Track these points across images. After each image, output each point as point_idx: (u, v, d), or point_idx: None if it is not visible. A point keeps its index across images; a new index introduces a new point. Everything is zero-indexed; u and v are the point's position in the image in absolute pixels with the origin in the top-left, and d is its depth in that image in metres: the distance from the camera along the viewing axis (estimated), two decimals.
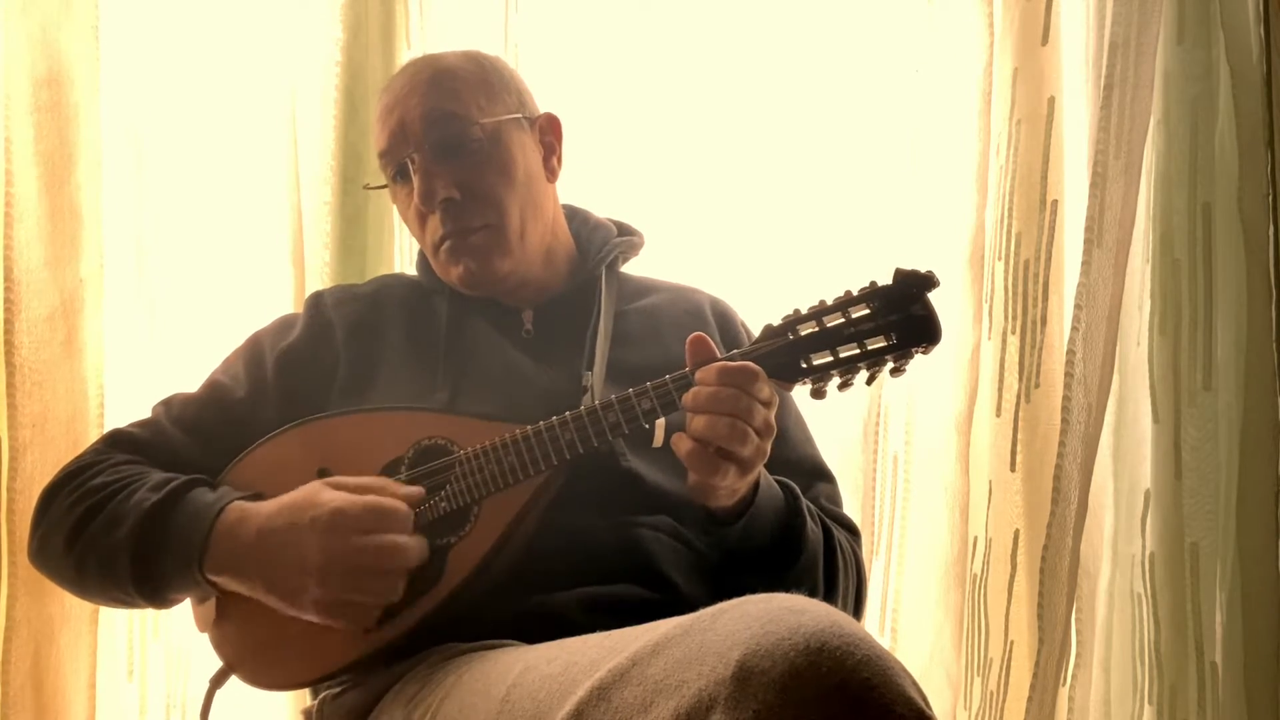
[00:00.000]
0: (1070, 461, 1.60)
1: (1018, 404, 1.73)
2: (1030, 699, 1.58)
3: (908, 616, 1.73)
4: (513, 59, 1.63)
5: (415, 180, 1.24)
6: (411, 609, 1.10)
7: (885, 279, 1.08)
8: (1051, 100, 1.73)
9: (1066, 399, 1.61)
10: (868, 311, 1.07)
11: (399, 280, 1.40)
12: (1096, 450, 1.67)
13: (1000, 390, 1.74)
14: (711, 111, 1.80)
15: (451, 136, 1.25)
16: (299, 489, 1.12)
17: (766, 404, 1.08)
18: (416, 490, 1.12)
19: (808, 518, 1.20)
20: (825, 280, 1.80)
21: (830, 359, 1.08)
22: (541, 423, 1.11)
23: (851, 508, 1.47)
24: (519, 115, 1.30)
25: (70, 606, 1.44)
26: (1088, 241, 1.64)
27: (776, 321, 1.11)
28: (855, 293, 1.09)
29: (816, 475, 1.34)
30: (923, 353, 1.08)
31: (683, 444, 1.07)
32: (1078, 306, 1.63)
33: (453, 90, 1.26)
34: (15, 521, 1.40)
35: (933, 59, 1.77)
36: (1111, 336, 1.67)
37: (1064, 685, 1.71)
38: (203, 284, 1.59)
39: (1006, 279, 1.75)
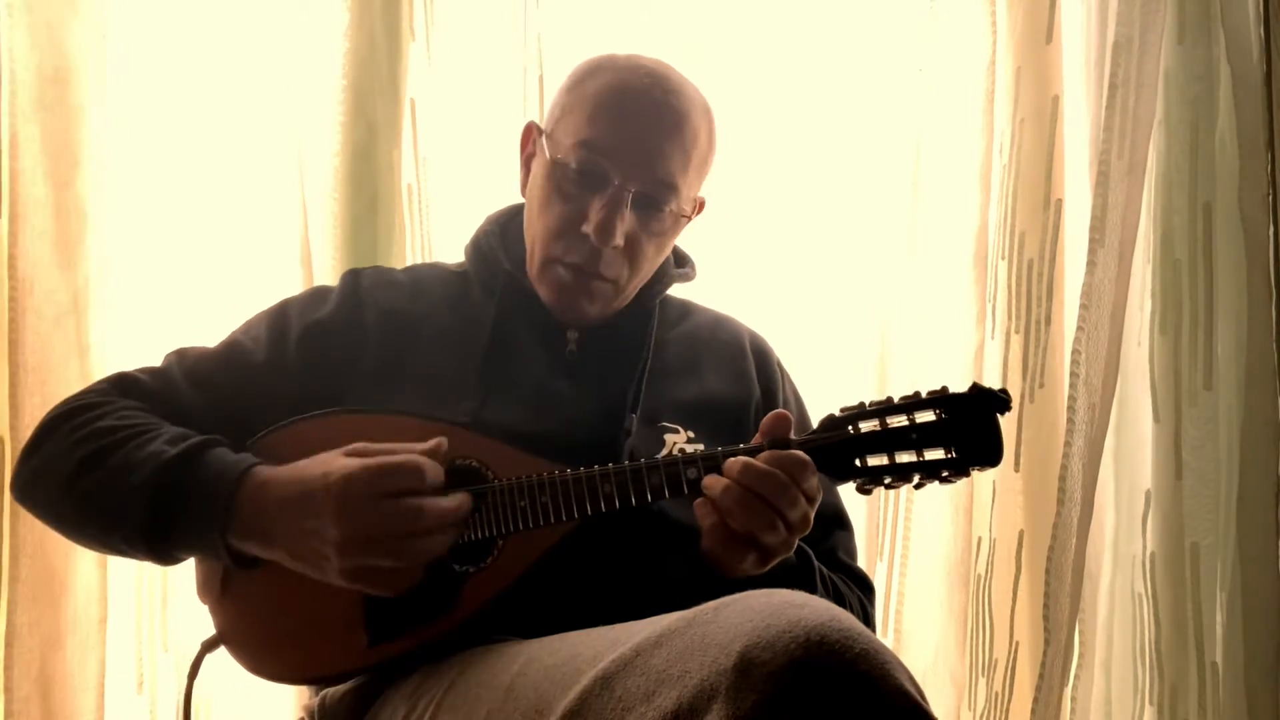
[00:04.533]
0: (1076, 462, 1.60)
1: (1021, 404, 1.73)
2: (1036, 700, 1.58)
3: (912, 617, 1.73)
4: (534, 52, 1.62)
5: (607, 208, 1.19)
6: (417, 632, 1.08)
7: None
8: (1055, 99, 1.73)
9: (1072, 399, 1.61)
10: (933, 419, 1.05)
11: (435, 272, 1.35)
12: (1102, 450, 1.68)
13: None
14: (716, 110, 1.78)
15: (659, 202, 1.22)
16: (314, 456, 1.07)
17: (810, 499, 1.05)
18: (434, 442, 1.06)
19: (818, 583, 1.18)
20: (827, 279, 1.81)
21: (885, 462, 1.06)
22: (583, 470, 1.08)
23: (855, 509, 1.47)
24: (689, 214, 1.27)
25: (77, 614, 1.41)
26: (1093, 241, 1.64)
27: (839, 411, 1.08)
28: (924, 395, 1.06)
29: (836, 524, 1.32)
30: (979, 471, 1.06)
31: (707, 516, 1.05)
32: (1083, 306, 1.63)
33: (685, 161, 1.23)
34: (18, 523, 1.38)
35: (936, 58, 1.77)
36: (1116, 336, 1.67)
37: (1066, 685, 1.71)
38: (209, 284, 1.56)
39: (1010, 278, 1.75)
